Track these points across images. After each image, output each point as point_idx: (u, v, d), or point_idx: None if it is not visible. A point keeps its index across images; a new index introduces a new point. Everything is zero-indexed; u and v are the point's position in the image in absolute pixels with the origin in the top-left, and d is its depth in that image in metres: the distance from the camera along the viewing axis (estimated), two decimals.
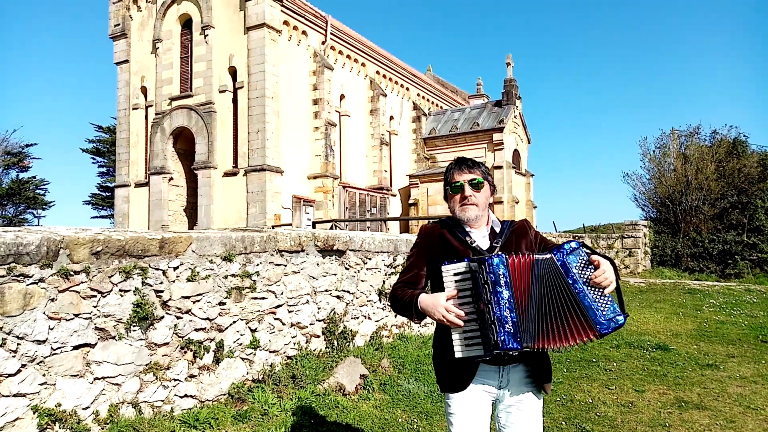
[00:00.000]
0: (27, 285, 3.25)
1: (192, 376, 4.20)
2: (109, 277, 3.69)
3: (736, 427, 4.28)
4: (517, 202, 23.91)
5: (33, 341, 3.27)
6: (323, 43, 20.32)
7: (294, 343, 5.24)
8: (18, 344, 3.20)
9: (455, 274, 2.01)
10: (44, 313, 3.33)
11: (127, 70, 20.52)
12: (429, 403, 4.69)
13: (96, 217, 32.75)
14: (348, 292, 6.05)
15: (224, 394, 4.40)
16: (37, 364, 3.29)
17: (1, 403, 3.10)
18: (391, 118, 24.92)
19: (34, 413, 3.24)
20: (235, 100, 18.08)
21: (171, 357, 4.07)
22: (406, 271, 2.29)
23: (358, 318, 6.19)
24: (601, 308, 1.93)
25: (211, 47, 18.27)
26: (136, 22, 20.38)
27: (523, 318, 1.94)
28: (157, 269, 4.02)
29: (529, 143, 26.92)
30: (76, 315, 3.50)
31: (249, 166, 17.46)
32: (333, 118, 20.07)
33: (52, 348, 3.36)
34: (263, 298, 4.92)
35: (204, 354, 4.31)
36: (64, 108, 76.44)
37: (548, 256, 1.99)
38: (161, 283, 4.03)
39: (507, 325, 1.91)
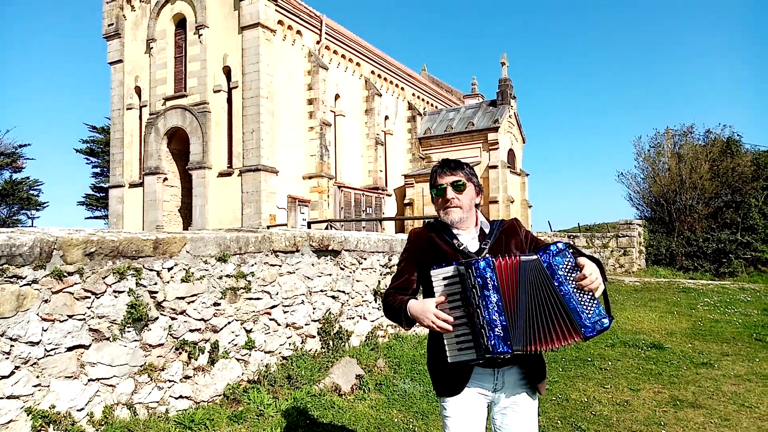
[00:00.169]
0: (20, 286, 3.23)
1: (187, 377, 4.19)
2: (103, 278, 3.67)
3: (731, 425, 4.30)
4: (512, 202, 23.98)
5: (26, 343, 3.25)
6: (318, 42, 20.30)
7: (289, 344, 5.23)
8: (11, 346, 3.18)
9: (444, 279, 1.99)
10: (38, 314, 3.31)
11: (121, 69, 20.43)
12: (425, 403, 4.69)
13: (90, 217, 32.64)
14: (343, 292, 6.04)
15: (219, 395, 4.38)
16: (31, 365, 3.27)
17: None
18: (386, 117, 24.92)
19: (28, 415, 3.21)
20: (229, 100, 18.03)
21: (166, 358, 4.05)
22: (397, 276, 2.27)
23: (353, 318, 6.18)
24: (587, 311, 1.91)
25: (205, 47, 18.20)
26: (129, 22, 20.30)
27: (513, 321, 1.92)
28: (152, 270, 4.00)
29: (524, 143, 27.02)
30: (70, 316, 3.48)
31: (244, 166, 17.41)
32: (328, 117, 20.06)
33: (45, 349, 3.34)
34: (258, 299, 4.91)
35: (199, 355, 4.29)
36: (57, 108, 76.11)
37: (534, 257, 1.96)
38: (155, 283, 4.01)
39: (497, 329, 1.89)
